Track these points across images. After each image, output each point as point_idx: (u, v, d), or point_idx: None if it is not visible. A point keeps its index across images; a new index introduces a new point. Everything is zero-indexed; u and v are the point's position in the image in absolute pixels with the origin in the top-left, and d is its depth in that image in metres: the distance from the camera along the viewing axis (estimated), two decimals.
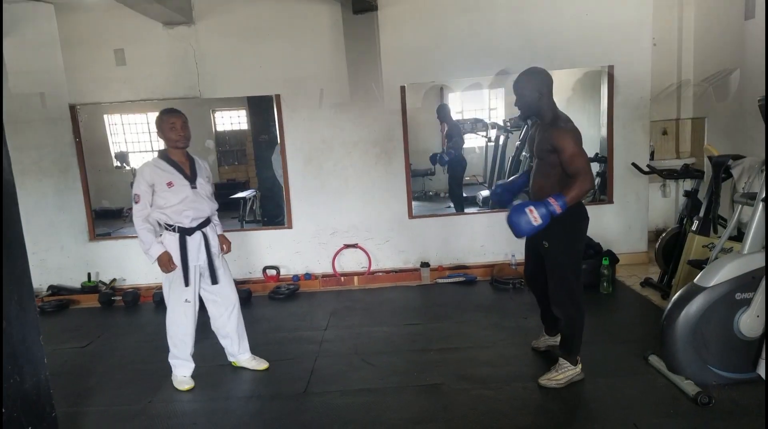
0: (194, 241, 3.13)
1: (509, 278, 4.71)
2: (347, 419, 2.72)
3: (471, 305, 4.39)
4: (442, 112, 7.44)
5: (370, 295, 4.86)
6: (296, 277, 5.15)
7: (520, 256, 5.16)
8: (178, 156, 3.11)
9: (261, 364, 3.41)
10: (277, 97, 5.04)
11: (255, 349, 3.50)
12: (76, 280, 5.14)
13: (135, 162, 8.31)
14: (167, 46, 4.92)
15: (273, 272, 5.17)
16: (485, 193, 7.21)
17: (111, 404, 3.05)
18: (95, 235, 5.20)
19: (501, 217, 5.35)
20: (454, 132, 7.30)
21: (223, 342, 3.40)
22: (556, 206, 2.56)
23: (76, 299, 5.01)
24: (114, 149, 8.06)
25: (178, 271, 3.08)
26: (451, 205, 7.46)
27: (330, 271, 5.23)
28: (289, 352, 3.61)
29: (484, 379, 3.04)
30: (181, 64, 4.94)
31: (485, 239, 5.28)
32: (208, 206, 3.20)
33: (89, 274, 5.12)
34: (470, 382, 3.02)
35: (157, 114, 3.09)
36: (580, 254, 2.86)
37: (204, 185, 3.17)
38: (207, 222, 3.22)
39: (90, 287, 5.03)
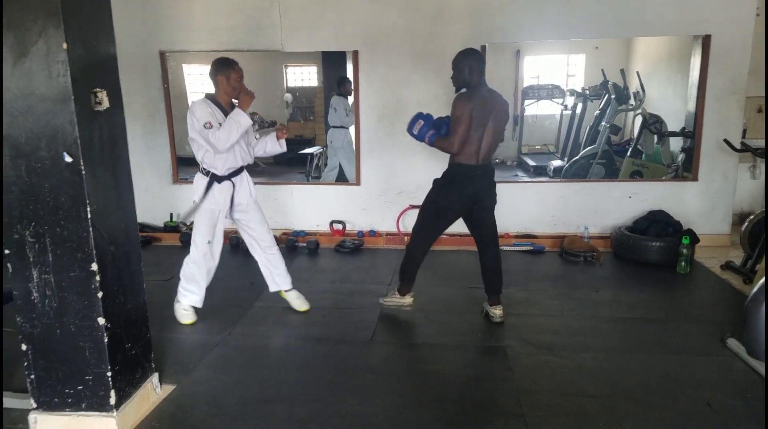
0: (222, 188, 3.23)
1: (580, 251, 4.61)
2: (412, 368, 2.81)
3: (538, 274, 4.35)
4: None
5: (432, 257, 4.84)
6: (361, 233, 5.25)
7: (594, 229, 5.07)
8: (227, 104, 3.21)
9: (302, 305, 3.56)
10: (356, 53, 5.05)
11: (322, 296, 3.63)
12: (158, 220, 5.46)
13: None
14: None
15: (339, 227, 5.30)
16: (557, 163, 7.02)
17: (193, 332, 3.27)
18: (178, 178, 5.47)
19: (575, 187, 5.28)
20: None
21: (263, 271, 3.55)
22: (426, 137, 3.25)
23: (158, 237, 5.33)
24: (190, 99, 8.36)
25: (207, 213, 3.22)
26: (518, 173, 7.31)
27: (394, 229, 5.30)
28: (355, 303, 3.72)
29: (551, 346, 3.03)
30: (266, 17, 5.01)
31: (557, 209, 5.16)
32: (243, 157, 3.30)
33: (171, 215, 5.42)
34: (536, 348, 3.02)
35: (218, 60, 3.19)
36: (439, 208, 3.33)
37: (245, 136, 3.27)
38: (238, 172, 3.31)
39: (171, 227, 5.34)
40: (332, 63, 6.59)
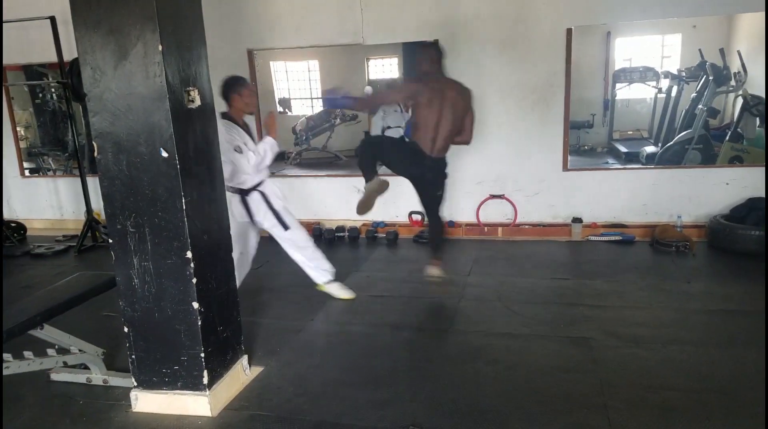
0: (254, 200, 3.31)
1: (673, 241, 4.34)
2: (492, 357, 2.78)
3: (626, 265, 4.14)
4: None
5: (514, 247, 4.80)
6: None
7: (687, 217, 4.75)
8: (242, 120, 3.28)
9: (347, 294, 3.63)
10: (435, 41, 5.02)
11: (401, 285, 3.68)
12: None
13: (297, 109, 8.89)
14: None
15: (418, 217, 5.31)
16: (650, 148, 6.61)
17: (279, 318, 3.42)
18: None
19: (668, 174, 4.96)
20: None
21: (305, 270, 3.65)
22: (348, 101, 3.61)
23: None
24: (278, 95, 8.68)
25: (238, 227, 3.28)
26: (609, 160, 6.96)
27: (473, 220, 5.23)
28: (433, 292, 3.72)
29: (637, 339, 2.89)
30: (348, 11, 5.09)
31: (648, 198, 4.88)
32: (265, 171, 3.40)
33: None
34: (622, 340, 2.89)
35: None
36: (390, 142, 3.80)
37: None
38: (258, 184, 3.38)
39: None
40: (412, 53, 6.59)
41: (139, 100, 2.17)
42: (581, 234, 4.91)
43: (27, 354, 2.30)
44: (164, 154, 2.18)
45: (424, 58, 3.38)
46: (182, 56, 2.26)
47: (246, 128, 3.32)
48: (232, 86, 3.28)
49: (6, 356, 2.23)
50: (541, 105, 4.92)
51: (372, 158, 3.54)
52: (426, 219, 3.79)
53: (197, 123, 2.35)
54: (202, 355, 2.32)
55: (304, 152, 8.05)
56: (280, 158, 6.48)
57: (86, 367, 2.57)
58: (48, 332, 2.30)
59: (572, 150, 6.69)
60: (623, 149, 7.07)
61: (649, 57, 8.09)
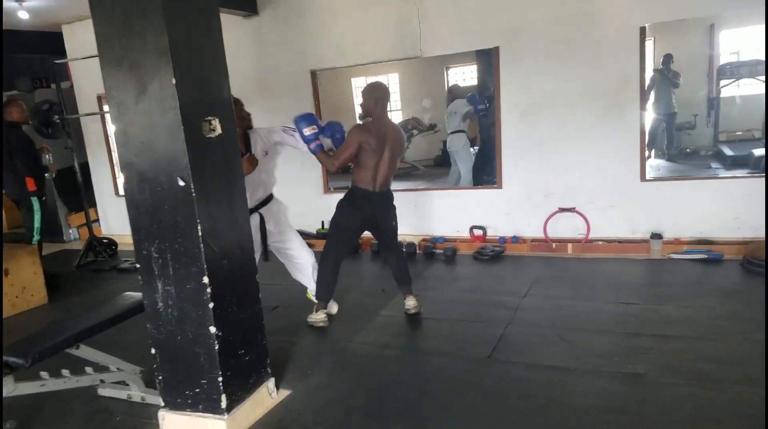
0: (253, 223, 3.23)
1: (766, 260, 3.80)
2: (526, 392, 2.57)
3: (708, 288, 3.69)
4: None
5: (584, 266, 4.45)
6: (502, 240, 4.99)
7: None
8: (240, 135, 3.24)
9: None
10: (496, 49, 4.84)
11: (450, 306, 3.57)
12: (312, 227, 5.85)
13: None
14: (393, 7, 5.05)
15: (479, 232, 5.11)
16: (760, 151, 5.88)
17: (318, 338, 3.40)
18: (329, 188, 5.82)
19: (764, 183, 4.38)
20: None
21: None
22: (311, 144, 3.34)
23: (311, 243, 5.70)
24: (357, 110, 8.78)
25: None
26: (713, 165, 6.28)
27: (541, 235, 4.94)
28: (482, 315, 3.54)
29: (702, 376, 2.54)
30: (406, 25, 5.04)
31: (742, 209, 4.35)
32: (262, 189, 3.38)
33: (322, 223, 5.77)
34: (683, 377, 2.55)
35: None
36: (341, 227, 3.53)
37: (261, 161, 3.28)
38: (265, 202, 3.36)
39: (323, 234, 5.68)
40: (485, 61, 6.42)
41: (158, 131, 2.26)
42: (661, 251, 4.46)
43: (64, 372, 2.47)
44: (181, 183, 2.25)
45: (377, 99, 3.39)
46: (200, 87, 2.32)
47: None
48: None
49: (43, 374, 2.40)
50: (613, 111, 4.57)
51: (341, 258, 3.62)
52: (390, 255, 3.69)
53: (217, 151, 2.40)
54: (220, 379, 2.35)
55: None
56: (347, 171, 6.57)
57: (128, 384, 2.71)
58: (83, 351, 2.45)
59: (671, 154, 6.13)
60: (728, 152, 6.36)
61: (761, 49, 7.25)
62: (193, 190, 2.25)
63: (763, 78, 6.72)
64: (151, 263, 2.36)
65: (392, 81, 9.04)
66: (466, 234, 5.15)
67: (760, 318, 3.11)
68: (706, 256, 4.23)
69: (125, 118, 2.30)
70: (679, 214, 4.55)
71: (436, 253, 4.98)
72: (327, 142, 3.44)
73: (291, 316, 3.72)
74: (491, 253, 4.76)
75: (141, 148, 2.30)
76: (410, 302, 3.59)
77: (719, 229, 4.42)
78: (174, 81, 2.18)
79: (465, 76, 8.88)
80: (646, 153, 4.72)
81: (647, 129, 4.63)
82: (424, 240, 5.18)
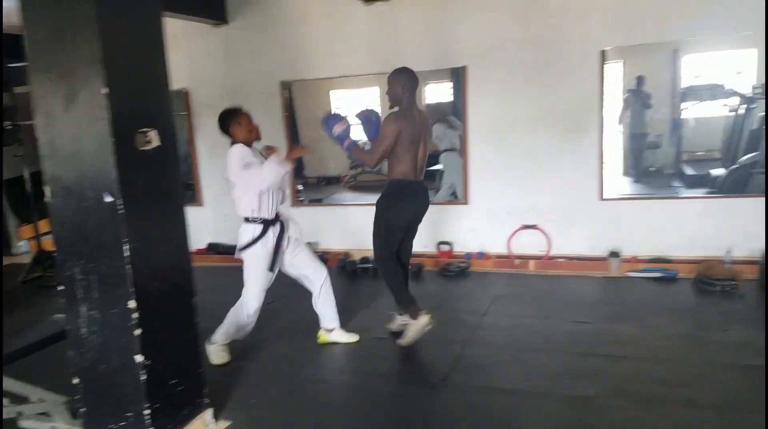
0: (276, 231, 3.14)
1: (718, 278, 3.82)
2: (477, 419, 2.48)
3: (661, 307, 3.69)
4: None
5: (544, 283, 4.42)
6: (468, 256, 4.94)
7: (739, 252, 4.19)
8: (251, 147, 3.16)
9: (351, 338, 3.40)
10: (464, 68, 4.82)
11: None
12: None
13: (356, 135, 8.84)
14: (364, 22, 5.00)
15: (446, 248, 5.06)
16: (718, 171, 6.01)
17: (271, 362, 3.22)
18: (298, 201, 5.69)
19: (722, 203, 4.44)
20: None
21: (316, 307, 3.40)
22: (345, 142, 3.22)
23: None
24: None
25: (264, 255, 3.11)
26: (674, 184, 6.38)
27: (505, 251, 4.90)
28: (441, 335, 3.40)
29: (648, 399, 2.51)
30: (379, 41, 4.99)
31: (696, 229, 4.40)
32: (282, 195, 3.24)
33: None
34: (629, 400, 2.52)
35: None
36: (390, 225, 3.27)
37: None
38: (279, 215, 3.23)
39: None
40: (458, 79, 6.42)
41: (86, 143, 2.13)
42: (619, 269, 4.46)
43: None
44: (108, 199, 2.12)
45: (404, 85, 3.21)
46: (134, 98, 2.21)
47: (261, 156, 3.22)
48: (227, 118, 3.18)
49: None
50: (574, 131, 4.60)
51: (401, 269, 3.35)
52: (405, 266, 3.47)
53: (153, 164, 2.28)
54: (147, 411, 2.19)
55: (359, 176, 7.99)
56: (335, 182, 6.40)
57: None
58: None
59: (636, 173, 6.20)
60: (689, 172, 6.50)
61: (721, 73, 7.46)
62: (120, 207, 2.12)
63: (723, 101, 6.91)
64: (75, 285, 2.21)
65: (373, 94, 9.01)
66: (433, 249, 5.08)
67: (709, 338, 3.12)
68: (662, 275, 4.25)
69: (52, 128, 2.17)
70: (636, 232, 4.57)
71: None
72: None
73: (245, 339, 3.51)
74: (456, 270, 4.71)
75: (68, 161, 2.17)
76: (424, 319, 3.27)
77: (674, 248, 4.45)
78: (105, 91, 2.06)
79: (441, 92, 8.89)
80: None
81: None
82: None
